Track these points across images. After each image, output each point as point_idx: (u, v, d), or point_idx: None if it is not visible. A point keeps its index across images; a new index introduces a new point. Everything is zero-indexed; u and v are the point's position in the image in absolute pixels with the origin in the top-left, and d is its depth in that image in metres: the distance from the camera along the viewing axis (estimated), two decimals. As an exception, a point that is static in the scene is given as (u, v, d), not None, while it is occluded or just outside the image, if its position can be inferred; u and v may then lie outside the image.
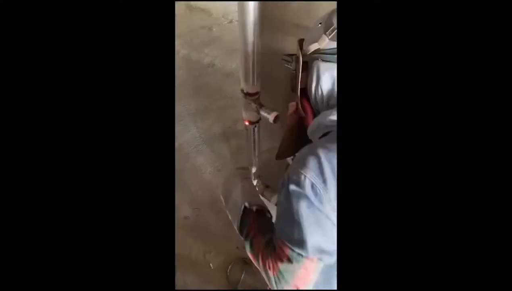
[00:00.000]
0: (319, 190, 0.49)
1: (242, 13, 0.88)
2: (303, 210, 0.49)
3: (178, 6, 3.38)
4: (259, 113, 1.12)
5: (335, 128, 0.54)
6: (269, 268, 0.53)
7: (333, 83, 0.57)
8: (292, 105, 0.77)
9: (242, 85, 1.11)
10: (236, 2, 0.89)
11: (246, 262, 1.56)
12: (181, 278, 1.49)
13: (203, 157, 2.09)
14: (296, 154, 0.59)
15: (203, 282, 1.49)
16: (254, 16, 0.89)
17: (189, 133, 2.23)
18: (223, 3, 3.39)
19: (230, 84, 2.56)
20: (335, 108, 0.55)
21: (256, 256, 0.60)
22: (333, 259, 0.52)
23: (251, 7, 0.86)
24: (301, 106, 0.67)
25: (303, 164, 0.51)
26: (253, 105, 1.16)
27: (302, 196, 0.50)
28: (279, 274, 0.52)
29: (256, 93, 1.12)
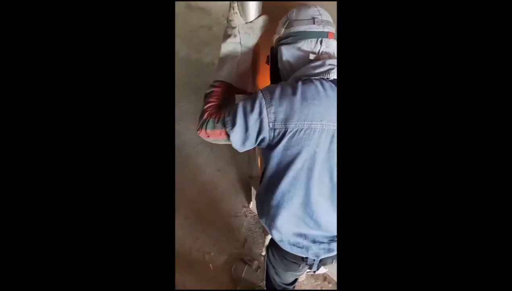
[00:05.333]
0: (264, 102, 0.69)
1: (242, 13, 0.88)
2: (242, 109, 0.71)
3: (178, 6, 3.37)
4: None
5: (300, 78, 0.73)
6: (207, 113, 0.78)
7: (291, 56, 0.77)
8: None
9: (242, 85, 1.11)
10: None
11: (246, 262, 1.56)
12: (181, 278, 1.49)
13: (203, 157, 2.08)
14: None
15: (203, 282, 1.49)
16: (254, 16, 0.89)
17: (189, 133, 2.22)
18: (223, 2, 3.39)
19: (230, 84, 2.55)
20: (302, 68, 0.74)
21: (206, 100, 0.82)
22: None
23: (251, 7, 0.86)
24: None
25: (263, 87, 0.72)
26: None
27: (250, 102, 0.70)
28: (208, 121, 0.76)
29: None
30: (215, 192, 1.87)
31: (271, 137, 0.70)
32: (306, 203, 0.75)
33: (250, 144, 0.74)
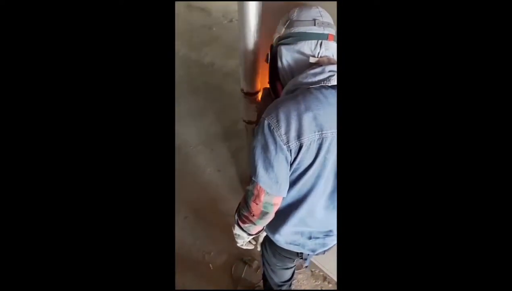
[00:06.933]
0: (272, 128, 0.67)
1: (242, 12, 0.88)
2: (258, 148, 0.69)
3: (178, 5, 3.37)
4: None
5: (300, 86, 0.72)
6: (244, 195, 0.78)
7: (291, 58, 0.76)
8: (265, 89, 0.99)
9: (242, 85, 1.11)
10: (236, 2, 0.89)
11: (246, 262, 1.56)
12: (180, 278, 1.49)
13: (203, 157, 2.08)
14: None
15: (203, 283, 1.49)
16: (254, 16, 0.89)
17: (189, 133, 2.23)
18: (223, 2, 3.39)
19: (230, 84, 2.56)
20: (302, 74, 0.72)
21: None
22: (278, 196, 0.73)
23: (251, 7, 0.86)
24: (273, 87, 0.86)
25: (266, 112, 0.70)
26: (253, 105, 1.16)
27: (260, 135, 0.69)
28: (246, 193, 0.76)
29: (256, 92, 1.12)
30: (215, 192, 1.87)
31: (290, 159, 0.69)
32: (311, 206, 0.76)
33: (283, 178, 0.70)
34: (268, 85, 0.90)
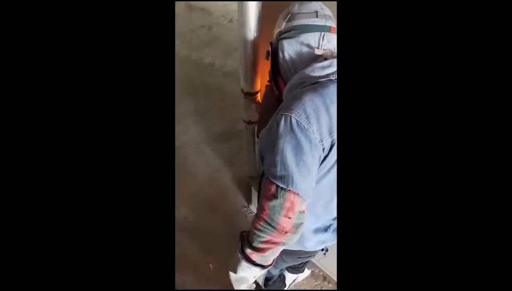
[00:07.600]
0: (303, 125, 0.58)
1: (242, 13, 0.88)
2: (288, 151, 0.58)
3: (178, 5, 3.38)
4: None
5: (307, 79, 0.66)
6: (261, 214, 0.61)
7: (294, 52, 0.72)
8: (267, 86, 0.95)
9: (242, 85, 1.11)
10: (236, 2, 0.89)
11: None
12: (180, 278, 1.49)
13: (203, 157, 2.08)
14: (282, 104, 0.68)
15: (203, 282, 1.49)
16: (254, 16, 0.89)
17: (189, 133, 2.23)
18: (223, 2, 3.40)
19: (230, 84, 2.56)
20: (308, 67, 0.68)
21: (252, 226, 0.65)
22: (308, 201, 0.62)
23: (251, 7, 0.86)
24: (275, 84, 0.81)
25: (289, 109, 0.60)
26: (253, 105, 1.16)
27: (289, 135, 0.59)
28: (270, 212, 0.60)
29: (256, 92, 1.12)
30: (215, 192, 1.87)
31: (322, 158, 0.62)
32: (329, 199, 0.73)
33: (314, 181, 0.62)
34: (268, 83, 0.90)
